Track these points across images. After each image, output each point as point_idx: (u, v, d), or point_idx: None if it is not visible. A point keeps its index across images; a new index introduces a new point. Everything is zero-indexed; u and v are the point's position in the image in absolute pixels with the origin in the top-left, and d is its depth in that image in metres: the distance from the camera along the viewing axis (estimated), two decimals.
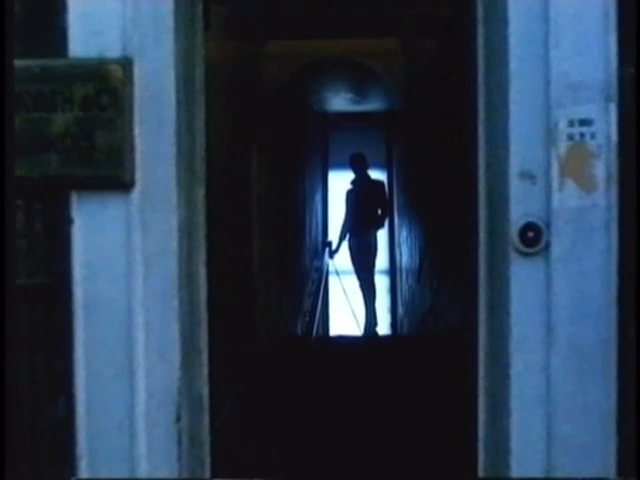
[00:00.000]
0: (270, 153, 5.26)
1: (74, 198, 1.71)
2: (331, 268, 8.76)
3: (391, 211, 8.92)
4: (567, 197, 1.66)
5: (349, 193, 8.38)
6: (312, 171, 8.92)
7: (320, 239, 9.32)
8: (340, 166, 9.01)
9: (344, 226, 8.23)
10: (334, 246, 8.43)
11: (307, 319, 7.27)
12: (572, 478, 1.68)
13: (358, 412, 4.04)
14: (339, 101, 8.40)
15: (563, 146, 1.66)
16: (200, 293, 1.86)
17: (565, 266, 1.67)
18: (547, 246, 1.68)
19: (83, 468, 1.72)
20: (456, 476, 2.55)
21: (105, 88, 1.67)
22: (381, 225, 8.55)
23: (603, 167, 1.66)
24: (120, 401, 1.70)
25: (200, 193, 1.86)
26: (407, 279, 8.09)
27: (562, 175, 1.66)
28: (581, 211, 1.66)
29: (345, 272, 8.47)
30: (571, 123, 1.66)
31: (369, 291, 8.01)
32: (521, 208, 1.68)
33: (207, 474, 1.89)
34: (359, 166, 8.15)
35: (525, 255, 1.69)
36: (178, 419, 1.73)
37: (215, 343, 1.97)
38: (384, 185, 8.89)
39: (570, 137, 1.66)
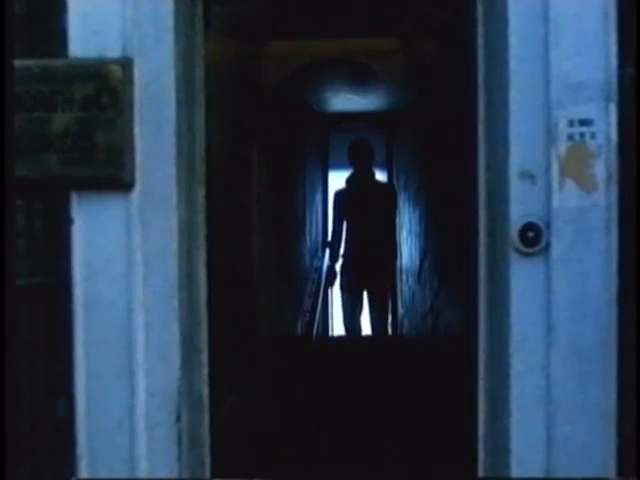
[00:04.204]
0: (270, 153, 5.26)
1: (74, 198, 1.71)
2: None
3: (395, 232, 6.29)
4: (567, 197, 1.66)
5: (338, 195, 5.93)
6: (312, 171, 8.91)
7: (320, 239, 9.31)
8: (340, 166, 8.93)
9: (333, 244, 5.95)
10: (330, 266, 6.27)
11: (307, 319, 7.26)
12: (572, 478, 1.68)
13: (358, 411, 4.04)
14: (339, 101, 8.37)
15: (563, 146, 1.66)
16: (200, 293, 1.86)
17: (565, 266, 1.67)
18: (547, 246, 1.68)
19: (83, 468, 1.72)
20: (456, 476, 2.55)
21: (105, 88, 1.67)
22: (392, 256, 6.01)
23: (603, 167, 1.66)
24: (120, 401, 1.70)
25: (200, 193, 1.86)
26: (407, 279, 7.99)
27: (562, 175, 1.66)
28: (581, 211, 1.66)
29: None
30: (571, 123, 1.66)
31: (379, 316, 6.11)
32: (521, 208, 1.68)
33: (207, 474, 1.89)
34: (360, 158, 5.77)
35: (525, 255, 1.69)
36: (178, 419, 1.73)
37: (215, 343, 1.97)
38: (395, 192, 6.32)
39: (570, 137, 1.66)
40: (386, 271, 6.00)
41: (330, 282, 6.40)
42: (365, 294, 6.00)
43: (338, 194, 5.97)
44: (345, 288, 5.99)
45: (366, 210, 5.67)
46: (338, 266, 6.10)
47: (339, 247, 5.87)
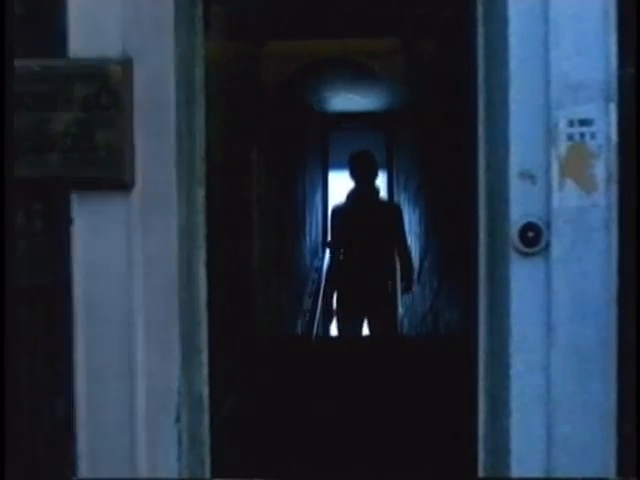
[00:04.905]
0: (270, 153, 5.26)
1: (74, 198, 1.71)
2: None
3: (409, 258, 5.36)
4: (567, 197, 1.66)
5: (335, 212, 5.16)
6: (312, 171, 8.91)
7: (320, 239, 9.31)
8: (340, 166, 8.90)
9: (330, 269, 5.30)
10: (328, 298, 5.36)
11: (307, 319, 7.27)
12: (572, 478, 1.68)
13: (357, 411, 4.04)
14: (339, 101, 8.38)
15: (563, 146, 1.66)
16: (200, 293, 1.86)
17: (565, 266, 1.67)
18: (547, 246, 1.68)
19: (83, 468, 1.72)
20: (456, 476, 2.55)
21: (105, 88, 1.67)
22: (407, 288, 5.30)
23: (603, 167, 1.66)
24: (120, 401, 1.70)
25: (200, 193, 1.86)
26: None
27: (562, 175, 1.66)
28: (581, 211, 1.66)
29: None
30: (571, 123, 1.66)
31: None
32: (521, 208, 1.68)
33: (207, 474, 1.89)
34: (362, 172, 5.00)
35: (525, 255, 1.69)
36: (178, 419, 1.73)
37: (215, 343, 1.97)
38: (400, 212, 5.42)
39: (570, 137, 1.66)
40: (388, 307, 5.36)
41: (329, 319, 5.57)
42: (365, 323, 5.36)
43: (336, 210, 5.18)
44: (341, 329, 5.34)
45: (366, 227, 4.93)
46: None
47: (335, 279, 5.21)
